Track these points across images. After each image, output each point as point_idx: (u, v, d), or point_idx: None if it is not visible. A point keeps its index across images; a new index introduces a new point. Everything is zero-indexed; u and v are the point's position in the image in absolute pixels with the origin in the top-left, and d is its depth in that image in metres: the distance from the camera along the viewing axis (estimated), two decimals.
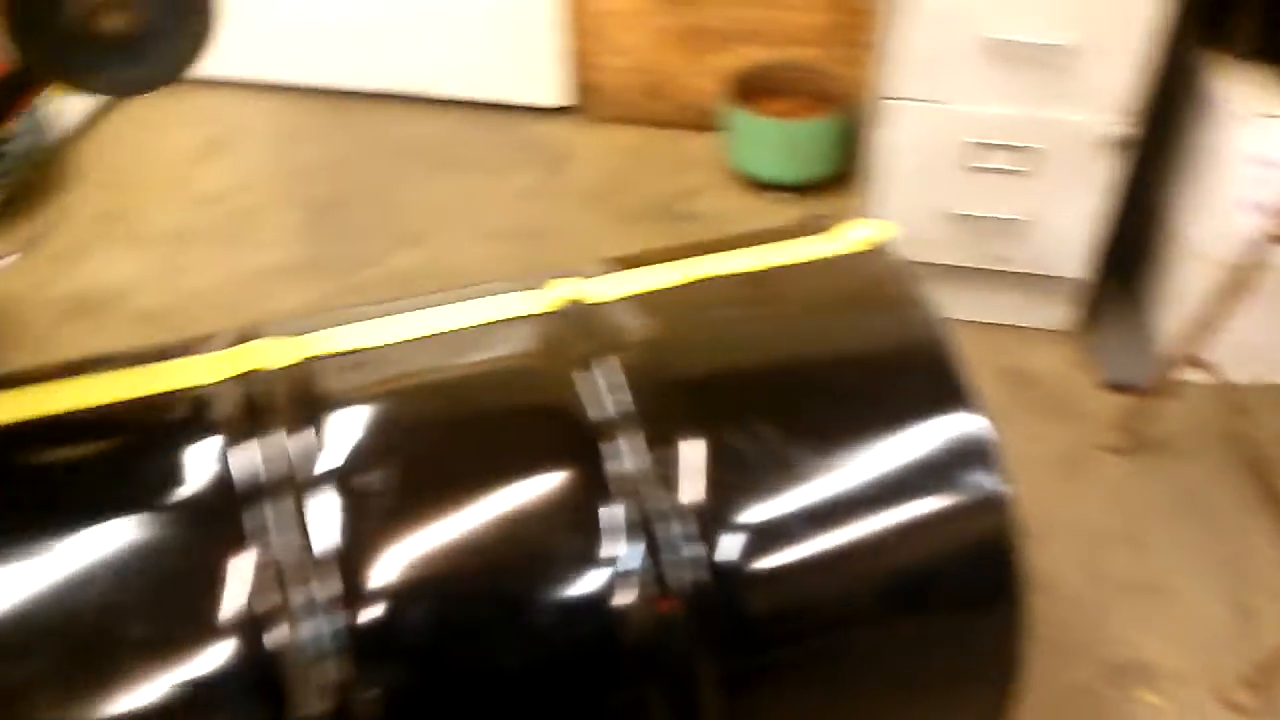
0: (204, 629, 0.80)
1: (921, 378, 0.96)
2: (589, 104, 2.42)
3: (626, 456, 0.89)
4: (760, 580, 0.89)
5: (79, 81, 0.94)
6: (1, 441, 0.89)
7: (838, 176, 2.20)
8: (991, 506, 0.93)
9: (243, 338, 0.98)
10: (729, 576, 0.88)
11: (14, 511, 0.84)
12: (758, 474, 0.91)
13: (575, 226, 2.15)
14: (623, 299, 1.02)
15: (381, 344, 0.97)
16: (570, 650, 0.87)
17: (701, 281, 1.05)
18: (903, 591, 0.94)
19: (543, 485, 0.90)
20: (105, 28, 0.89)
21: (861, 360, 1.01)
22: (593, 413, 0.91)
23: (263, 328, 0.99)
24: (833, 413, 0.96)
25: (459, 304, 1.03)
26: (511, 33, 2.34)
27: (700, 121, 2.37)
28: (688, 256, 1.10)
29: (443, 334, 0.99)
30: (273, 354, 0.94)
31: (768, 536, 0.90)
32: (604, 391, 0.92)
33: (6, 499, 0.85)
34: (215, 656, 0.80)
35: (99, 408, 0.91)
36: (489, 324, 1.00)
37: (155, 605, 0.81)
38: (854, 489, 0.92)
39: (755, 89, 2.22)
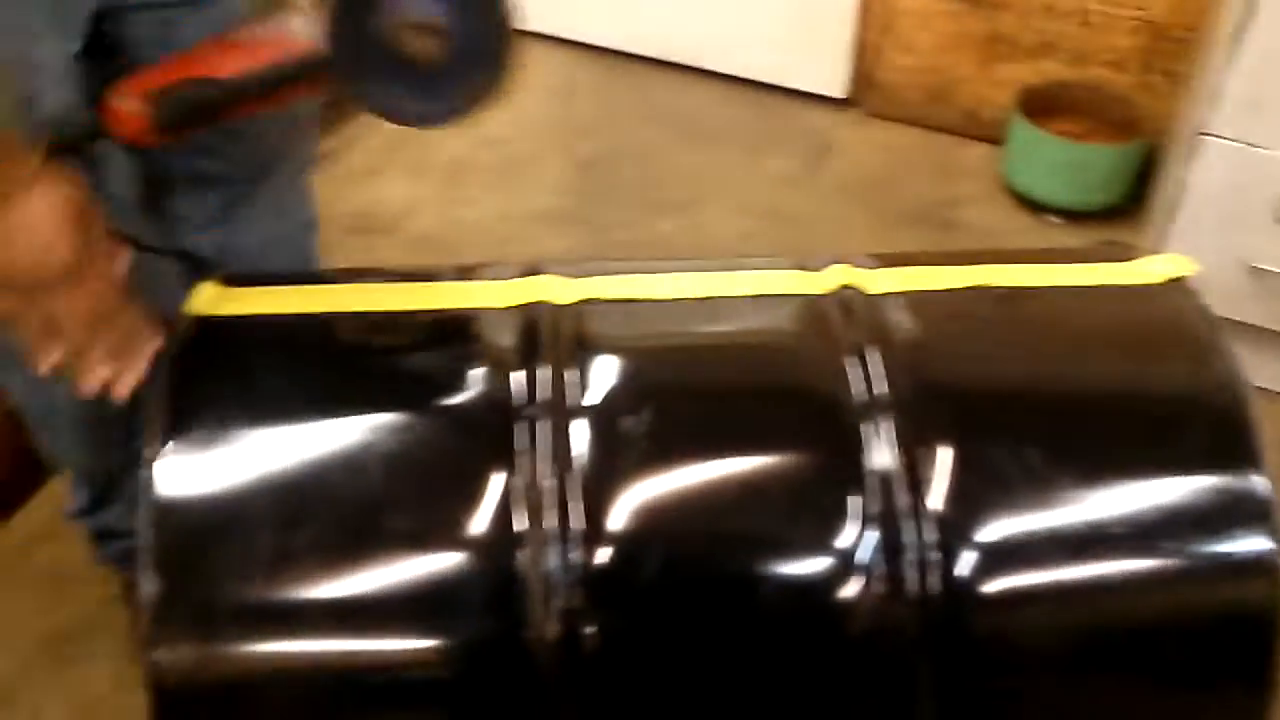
0: (458, 535, 0.84)
1: (1209, 426, 0.91)
2: (865, 98, 2.39)
3: (879, 451, 0.87)
4: (996, 601, 0.86)
5: (366, 94, 0.89)
6: (297, 329, 0.95)
7: (1119, 208, 2.10)
8: (1264, 573, 0.87)
9: (528, 271, 1.02)
10: (964, 590, 0.85)
11: (302, 392, 0.90)
12: (1011, 491, 0.87)
13: (832, 218, 2.14)
14: (897, 293, 1.00)
15: (655, 297, 0.99)
16: (790, 630, 0.87)
17: (982, 289, 1.02)
18: (1145, 644, 0.89)
19: (793, 460, 0.90)
20: (411, 49, 0.86)
21: (1145, 396, 0.95)
22: (855, 400, 0.90)
23: (544, 265, 1.02)
24: (1103, 444, 0.91)
25: (732, 272, 1.04)
26: (801, 15, 2.33)
27: (980, 132, 2.30)
28: (965, 263, 1.06)
29: (715, 298, 1.00)
30: (554, 290, 0.97)
31: (1011, 557, 0.86)
32: (868, 381, 0.90)
33: (297, 380, 0.91)
34: (464, 563, 0.84)
35: (393, 312, 0.96)
36: (762, 295, 1.00)
37: (417, 502, 0.85)
38: (1113, 525, 0.87)
39: (1045, 106, 2.14)
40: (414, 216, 2.07)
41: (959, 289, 1.01)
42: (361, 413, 0.88)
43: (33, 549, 1.49)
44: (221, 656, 0.82)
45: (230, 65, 0.89)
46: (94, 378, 0.88)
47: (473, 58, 0.88)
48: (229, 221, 1.11)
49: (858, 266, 1.03)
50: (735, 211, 2.14)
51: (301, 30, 0.87)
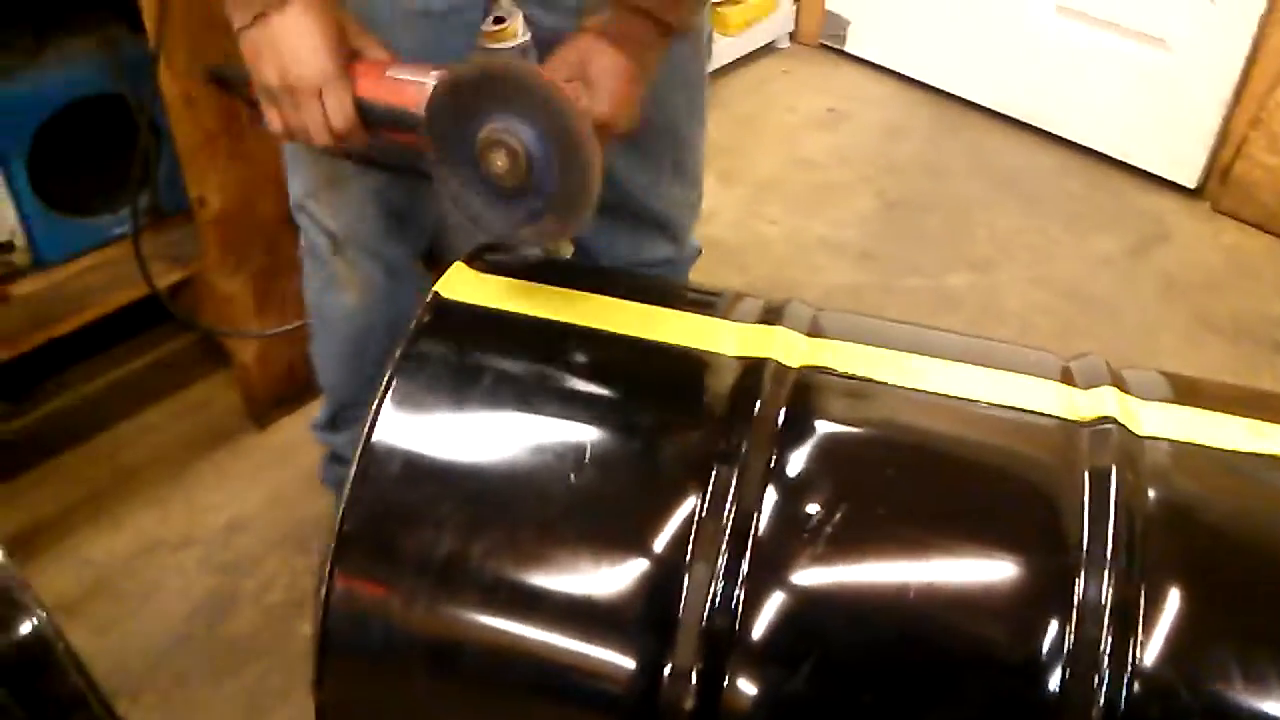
0: (629, 555, 0.84)
1: None
2: (1216, 193, 2.20)
3: (1095, 584, 0.80)
4: None
5: (445, 179, 0.94)
6: (528, 332, 0.98)
7: None
8: None
9: (768, 317, 0.99)
10: None
11: (518, 393, 0.93)
12: (1223, 676, 0.77)
13: (1144, 313, 1.98)
14: (1170, 441, 0.89)
15: (889, 381, 0.93)
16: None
17: (1274, 458, 0.88)
18: None
19: (997, 568, 0.84)
20: (492, 163, 0.88)
21: None
22: (1085, 524, 0.82)
23: (787, 311, 1.00)
24: None
25: (980, 368, 0.96)
26: (1164, 91, 2.17)
27: None
28: (1275, 412, 0.93)
29: (952, 396, 0.92)
30: (786, 348, 0.94)
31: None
32: (1104, 512, 0.82)
33: (517, 382, 0.94)
34: (629, 582, 0.83)
35: (623, 335, 0.97)
36: (1010, 407, 0.92)
37: (597, 516, 0.86)
38: None
39: None
40: (711, 221, 2.12)
41: (1245, 452, 0.88)
42: (566, 430, 0.90)
43: (304, 448, 1.65)
44: (389, 603, 0.86)
45: (361, 87, 0.97)
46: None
47: (546, 194, 0.90)
48: None
49: (1135, 393, 0.93)
50: (1036, 283, 2.03)
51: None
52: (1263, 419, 0.92)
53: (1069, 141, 2.35)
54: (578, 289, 1.02)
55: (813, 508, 0.84)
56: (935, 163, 2.34)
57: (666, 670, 0.81)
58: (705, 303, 1.04)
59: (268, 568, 1.49)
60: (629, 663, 0.83)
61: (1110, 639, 0.78)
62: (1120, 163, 2.29)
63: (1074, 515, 0.83)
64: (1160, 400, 0.93)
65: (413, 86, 0.94)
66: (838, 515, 0.84)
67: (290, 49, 0.95)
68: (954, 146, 2.38)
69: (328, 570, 0.86)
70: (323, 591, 0.86)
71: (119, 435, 1.65)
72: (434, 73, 0.92)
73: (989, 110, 2.44)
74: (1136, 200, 2.24)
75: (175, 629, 1.40)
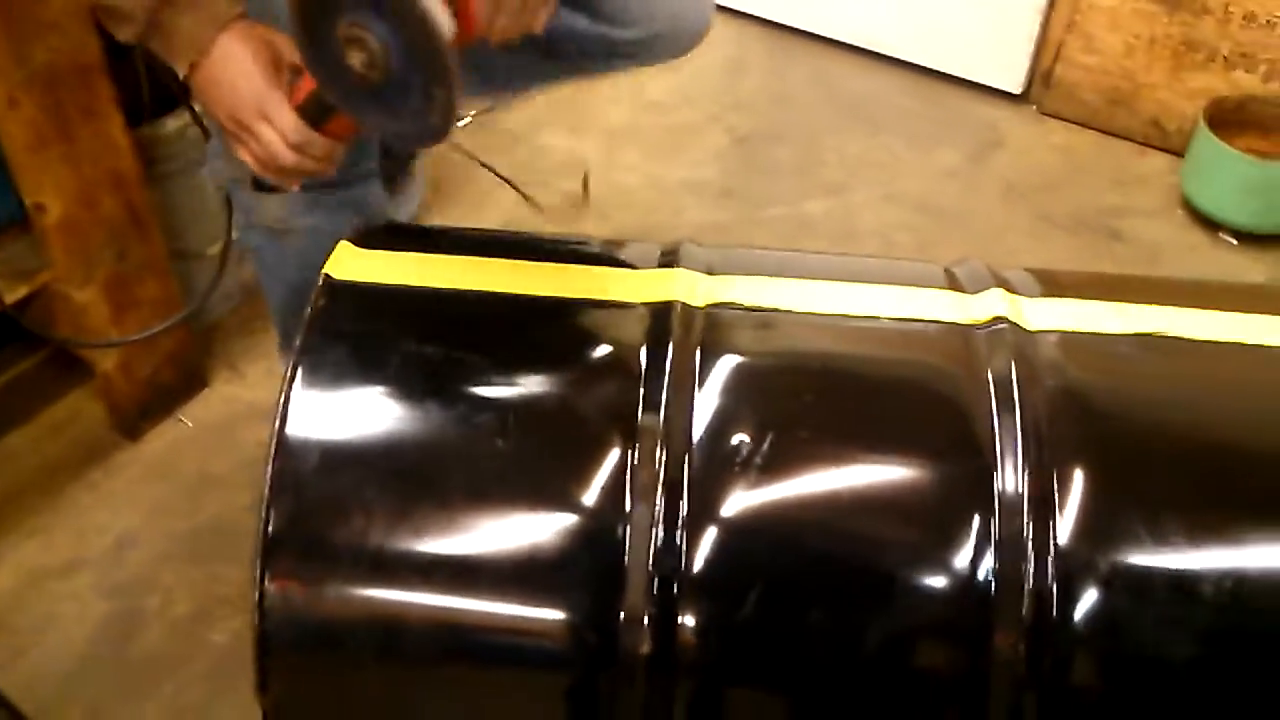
0: (568, 509, 0.85)
1: None
2: (1041, 96, 2.31)
3: (1011, 477, 0.84)
4: (1107, 646, 0.82)
5: (358, 119, 0.93)
6: (427, 302, 0.97)
7: None
8: None
9: (667, 255, 1.01)
10: (1077, 630, 0.81)
11: (426, 363, 0.92)
12: (1137, 546, 0.83)
13: (990, 217, 2.08)
14: (1056, 332, 0.94)
15: (793, 309, 0.96)
16: (893, 646, 0.84)
17: (1151, 339, 0.94)
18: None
19: (919, 475, 0.87)
20: (356, 66, 0.86)
21: None
22: (994, 423, 0.86)
23: (683, 253, 1.01)
24: (1248, 520, 0.85)
25: (875, 285, 1.00)
26: (988, 6, 2.26)
27: (1160, 141, 2.19)
28: (1141, 298, 0.99)
29: (854, 316, 0.96)
30: (688, 289, 0.96)
31: (1128, 605, 0.82)
32: (1011, 410, 0.87)
33: (422, 352, 0.92)
34: (570, 538, 0.84)
35: (524, 295, 0.97)
36: (907, 319, 0.96)
37: (531, 473, 0.86)
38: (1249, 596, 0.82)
39: (1233, 120, 2.02)
40: (567, 175, 2.11)
41: (1126, 335, 0.94)
42: (485, 388, 0.91)
43: (182, 454, 1.59)
44: (326, 597, 0.85)
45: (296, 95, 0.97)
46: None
47: (412, 71, 0.86)
48: None
49: (1017, 291, 0.98)
50: (888, 200, 2.10)
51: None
52: (1122, 300, 0.98)
53: (903, 61, 2.42)
54: (469, 255, 1.01)
55: (739, 440, 0.86)
56: (779, 94, 2.38)
57: (619, 619, 0.82)
58: (601, 255, 1.04)
59: (165, 581, 1.44)
60: (580, 617, 0.83)
61: (1031, 526, 0.82)
62: (952, 77, 2.37)
63: (984, 416, 0.87)
64: (1038, 295, 0.98)
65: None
66: (764, 445, 0.86)
67: (227, 83, 0.98)
68: (795, 77, 2.43)
69: (258, 572, 0.84)
70: (256, 595, 0.84)
71: None
72: None
73: (824, 39, 2.49)
74: (970, 111, 2.33)
75: (79, 657, 1.34)
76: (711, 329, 0.92)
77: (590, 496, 0.84)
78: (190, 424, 1.63)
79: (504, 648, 0.86)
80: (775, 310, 0.95)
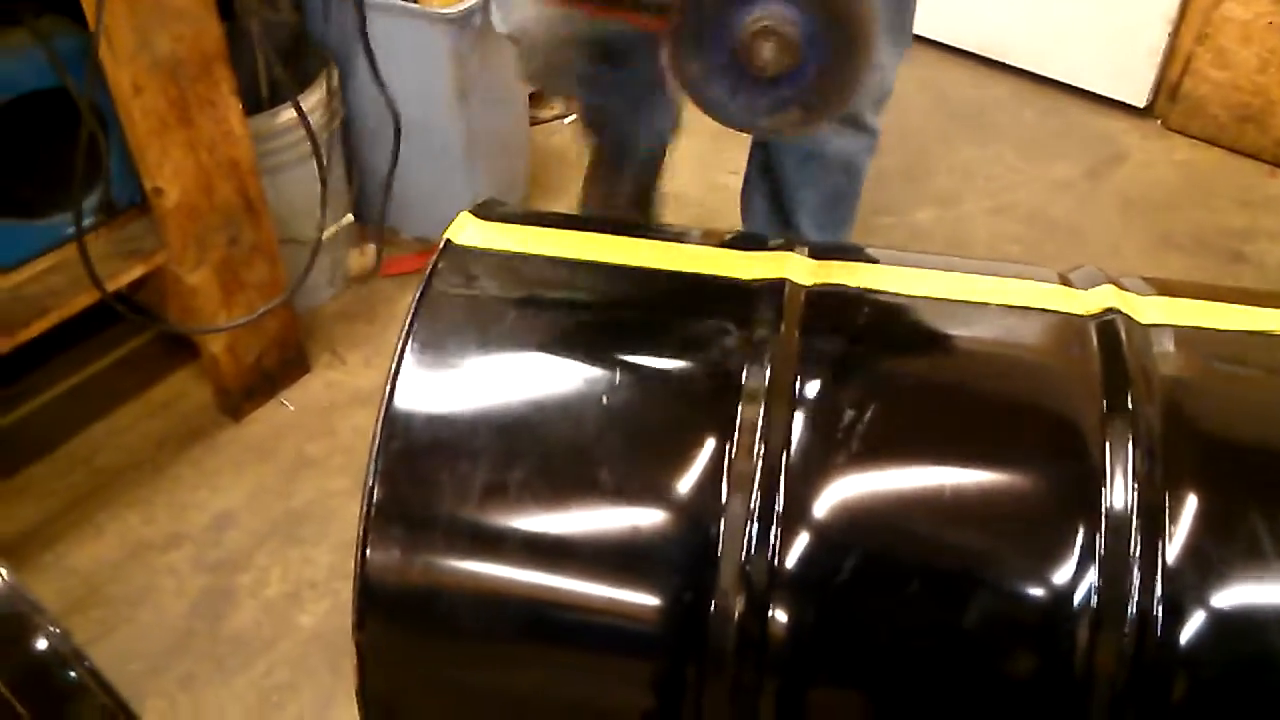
0: (663, 496, 0.85)
1: None
2: (1166, 111, 2.22)
3: (1119, 489, 0.81)
4: (1212, 675, 0.79)
5: (690, 77, 0.85)
6: (544, 269, 0.99)
7: None
8: None
9: (777, 248, 1.00)
10: (1181, 655, 0.78)
11: (538, 333, 0.93)
12: (1256, 560, 0.79)
13: (1106, 232, 2.00)
14: (1170, 325, 0.91)
15: (904, 292, 0.95)
16: (984, 656, 0.82)
17: (1272, 336, 0.91)
18: None
19: (1024, 482, 0.85)
20: (759, 57, 0.81)
21: None
22: (1106, 437, 0.83)
23: (795, 242, 1.02)
24: None
25: (990, 278, 0.98)
26: (1111, 14, 2.18)
27: None
28: (1257, 303, 0.96)
29: (967, 302, 0.95)
30: (799, 270, 0.95)
31: (1239, 632, 0.79)
32: (1126, 418, 0.84)
33: (536, 320, 0.94)
34: (665, 524, 0.84)
35: (638, 268, 0.98)
36: (1018, 307, 0.94)
37: (629, 457, 0.86)
38: None
39: None
40: (673, 173, 2.09)
41: (1243, 331, 0.91)
42: (591, 362, 0.91)
43: (282, 436, 1.62)
44: (426, 565, 0.87)
45: None
46: None
47: (801, 85, 0.82)
48: None
49: (1129, 290, 0.96)
50: (1000, 212, 2.04)
51: None
52: (1255, 304, 0.94)
53: (1020, 70, 2.35)
54: (583, 231, 1.03)
55: (839, 425, 0.84)
56: (895, 100, 2.32)
57: (710, 609, 0.81)
58: (714, 239, 1.04)
59: (260, 561, 1.46)
60: (672, 604, 0.83)
61: (1140, 542, 0.79)
62: (1071, 87, 2.30)
63: (1094, 420, 0.84)
64: (1155, 295, 0.95)
65: None
66: (864, 441, 0.84)
67: None
68: (909, 83, 2.37)
69: (365, 512, 0.86)
70: (361, 534, 0.86)
71: (90, 439, 1.61)
72: None
73: (940, 44, 2.43)
74: (1090, 123, 2.25)
75: (174, 630, 1.37)
76: (817, 305, 0.92)
77: (687, 485, 0.84)
78: (291, 407, 1.67)
79: (593, 628, 0.86)
80: (882, 292, 0.94)
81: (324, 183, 1.52)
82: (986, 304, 0.94)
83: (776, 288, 0.92)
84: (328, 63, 1.68)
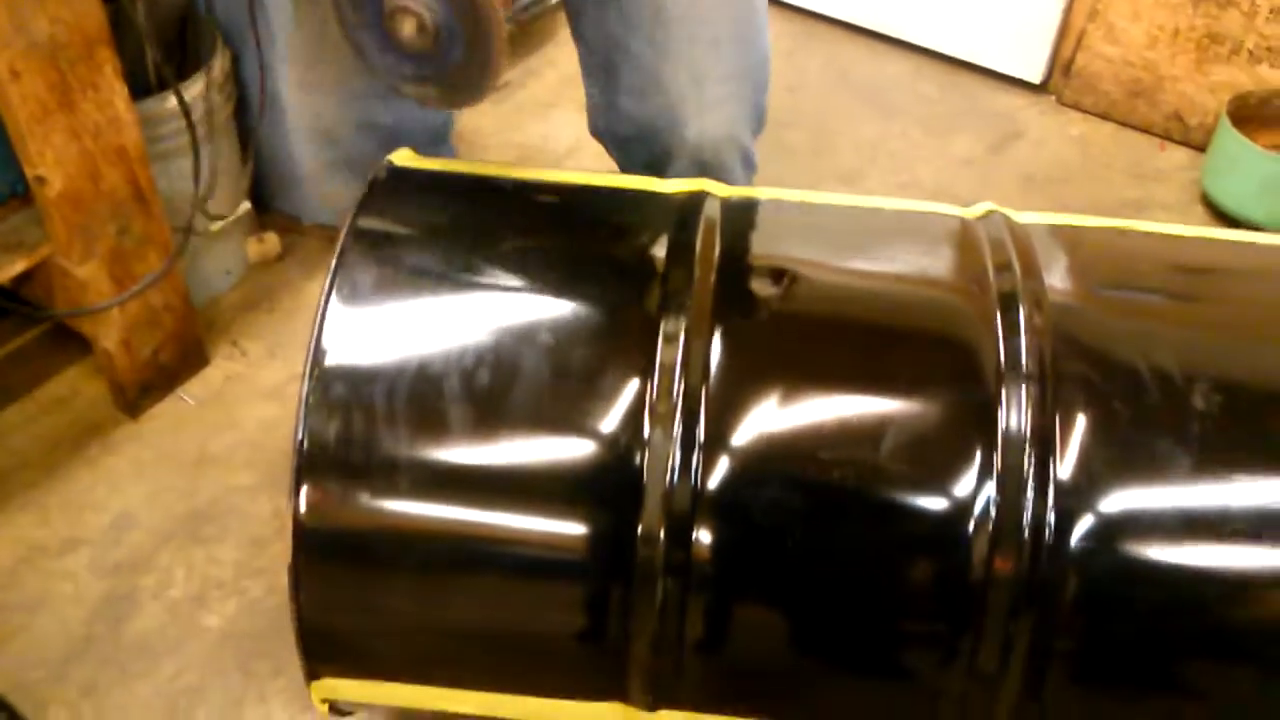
0: (587, 429, 0.89)
1: None
2: (1060, 87, 2.27)
3: (1015, 410, 0.87)
4: (1105, 576, 0.85)
5: (364, 55, 0.92)
6: (473, 185, 1.06)
7: None
8: None
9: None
10: (1075, 559, 0.85)
11: (465, 258, 0.97)
12: (1137, 469, 0.86)
13: (1006, 206, 2.04)
14: (1046, 226, 1.06)
15: (808, 200, 1.10)
16: (892, 567, 0.88)
17: (1133, 232, 1.07)
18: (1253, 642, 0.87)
19: (926, 404, 0.90)
20: (398, 32, 0.86)
21: None
22: (999, 355, 0.90)
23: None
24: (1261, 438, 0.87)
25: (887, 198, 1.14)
26: None
27: (1181, 135, 2.16)
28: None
29: (868, 209, 1.11)
30: (716, 190, 1.08)
31: (1125, 536, 0.85)
32: (1016, 334, 0.91)
33: (462, 244, 0.97)
34: (590, 457, 0.89)
35: (563, 184, 1.09)
36: (913, 211, 1.12)
37: (554, 392, 0.90)
38: (1239, 519, 0.84)
39: (1255, 116, 1.99)
40: (580, 154, 2.08)
41: (1111, 228, 1.07)
42: (517, 296, 0.95)
43: (182, 432, 1.57)
44: (358, 505, 0.89)
45: None
46: None
47: (441, 68, 0.88)
48: None
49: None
50: (904, 188, 2.07)
51: None
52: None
53: (921, 48, 2.38)
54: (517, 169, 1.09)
55: (758, 346, 0.92)
56: (793, 79, 2.34)
57: (638, 532, 0.87)
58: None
59: (162, 562, 1.42)
60: (600, 529, 0.88)
61: (1033, 462, 0.86)
62: (970, 64, 2.34)
63: (990, 345, 0.91)
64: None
65: None
66: (778, 355, 0.91)
67: None
68: (811, 61, 2.39)
69: (294, 477, 0.88)
70: (292, 501, 0.88)
71: None
72: None
73: (841, 23, 2.45)
74: (989, 99, 2.30)
75: (74, 637, 1.33)
76: (734, 212, 1.03)
77: (611, 422, 0.88)
78: (191, 402, 1.62)
79: (524, 558, 0.90)
80: (789, 201, 1.08)
81: (197, 171, 1.48)
82: (887, 210, 1.10)
83: (697, 199, 1.02)
84: (219, 43, 1.63)
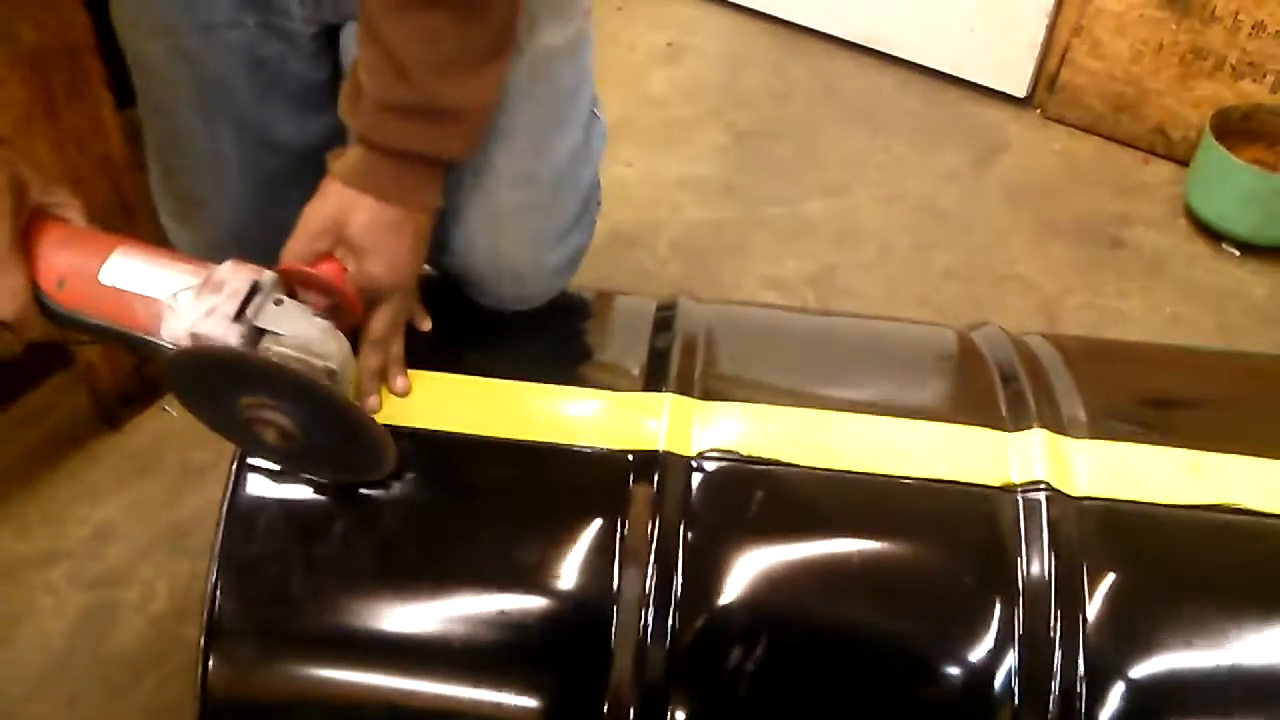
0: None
1: None
2: (1045, 100, 2.28)
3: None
4: None
5: (212, 426, 0.82)
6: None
7: None
8: None
9: (654, 367, 0.92)
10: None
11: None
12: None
13: (992, 221, 2.05)
14: (1102, 506, 0.82)
15: (799, 464, 0.84)
16: None
17: (1215, 516, 0.82)
18: None
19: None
20: (263, 438, 0.78)
21: None
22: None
23: (681, 303, 0.99)
24: None
25: (903, 421, 0.87)
26: (993, 7, 2.23)
27: (1164, 149, 2.17)
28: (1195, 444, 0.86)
29: (875, 479, 0.83)
30: (679, 427, 0.86)
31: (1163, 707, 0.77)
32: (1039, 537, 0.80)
33: None
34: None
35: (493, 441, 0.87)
36: (933, 483, 0.83)
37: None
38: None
39: (1238, 130, 2.00)
40: None
41: (1182, 509, 0.82)
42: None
43: (164, 444, 1.56)
44: (277, 676, 0.80)
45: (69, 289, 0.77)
46: None
47: (322, 455, 0.79)
48: None
49: (1064, 431, 0.86)
50: (890, 201, 2.08)
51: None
52: (1202, 449, 0.86)
53: (905, 61, 2.39)
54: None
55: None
56: (780, 91, 2.35)
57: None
58: (582, 359, 0.98)
59: (144, 575, 1.40)
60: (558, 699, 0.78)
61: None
62: (955, 78, 2.35)
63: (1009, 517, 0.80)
64: (1089, 436, 0.87)
65: (139, 305, 0.76)
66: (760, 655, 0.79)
67: None
68: (797, 74, 2.40)
69: (206, 622, 0.80)
70: (202, 647, 0.80)
71: None
72: (171, 284, 0.76)
73: (828, 36, 2.46)
74: (973, 113, 2.31)
75: (55, 651, 1.31)
76: (704, 492, 0.82)
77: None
78: (174, 413, 1.60)
79: None
80: (777, 464, 0.84)
81: None
82: (900, 480, 0.83)
83: (649, 466, 0.83)
84: None
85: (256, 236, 0.99)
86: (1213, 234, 2.01)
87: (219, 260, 0.78)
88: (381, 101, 0.80)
